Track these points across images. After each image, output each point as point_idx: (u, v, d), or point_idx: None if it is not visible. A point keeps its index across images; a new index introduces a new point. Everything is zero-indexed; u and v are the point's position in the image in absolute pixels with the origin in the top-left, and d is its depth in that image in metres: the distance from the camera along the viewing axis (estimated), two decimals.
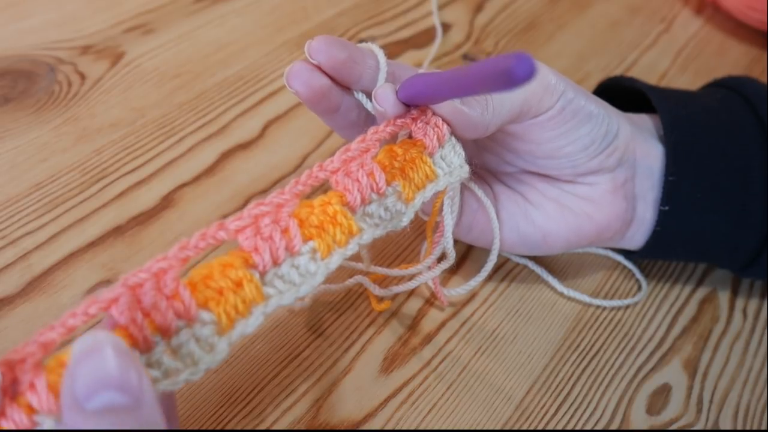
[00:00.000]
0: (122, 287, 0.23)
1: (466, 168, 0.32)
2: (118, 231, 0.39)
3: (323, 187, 0.29)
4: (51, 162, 0.42)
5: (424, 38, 0.56)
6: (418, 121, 0.31)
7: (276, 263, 0.26)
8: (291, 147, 0.45)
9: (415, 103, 0.31)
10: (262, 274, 0.26)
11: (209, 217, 0.41)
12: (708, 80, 0.44)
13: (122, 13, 0.53)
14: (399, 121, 0.31)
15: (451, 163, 0.32)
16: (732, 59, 0.60)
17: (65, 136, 0.43)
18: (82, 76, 0.47)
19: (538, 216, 0.36)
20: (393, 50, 0.54)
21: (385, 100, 0.31)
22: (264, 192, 0.42)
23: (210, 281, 0.25)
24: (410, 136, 0.32)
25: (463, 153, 0.32)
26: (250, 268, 0.25)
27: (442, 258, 0.35)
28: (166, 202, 0.41)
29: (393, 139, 0.32)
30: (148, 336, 0.23)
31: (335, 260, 0.27)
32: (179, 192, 0.42)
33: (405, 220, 0.30)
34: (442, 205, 0.33)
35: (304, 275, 0.27)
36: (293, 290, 0.26)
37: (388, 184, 0.30)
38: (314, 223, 0.27)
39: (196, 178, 0.42)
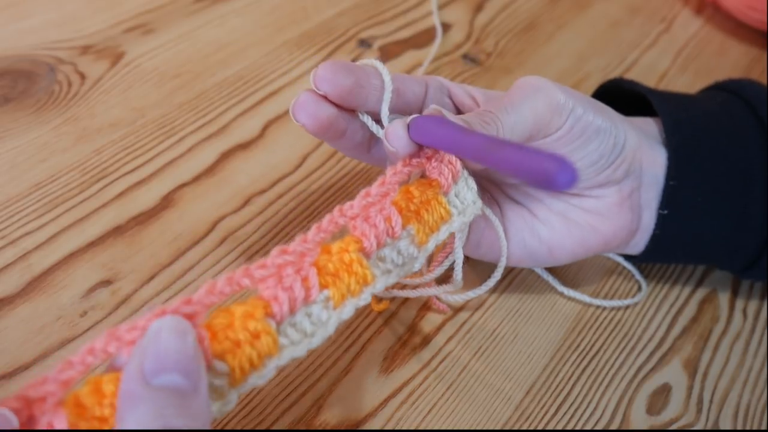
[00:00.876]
0: (142, 330, 0.23)
1: (479, 204, 0.32)
2: (118, 231, 0.39)
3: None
4: (51, 162, 0.42)
5: (424, 38, 0.56)
6: (432, 160, 0.31)
7: (292, 312, 0.26)
8: (291, 147, 0.45)
9: (430, 146, 0.31)
10: (279, 324, 0.26)
11: (209, 217, 0.41)
12: (708, 80, 0.44)
13: (122, 13, 0.53)
14: (415, 161, 0.31)
15: (464, 200, 0.32)
16: (732, 59, 0.60)
17: (65, 136, 0.43)
18: (82, 76, 0.47)
19: (544, 230, 0.36)
20: (393, 50, 0.54)
21: (396, 139, 0.30)
22: (264, 192, 0.42)
23: (230, 332, 0.25)
24: (423, 175, 0.32)
25: (475, 187, 0.32)
26: (267, 317, 0.26)
27: (448, 278, 0.35)
28: (166, 202, 0.41)
29: (408, 177, 0.32)
30: None
31: (348, 310, 0.27)
32: (179, 192, 0.42)
33: (417, 266, 0.30)
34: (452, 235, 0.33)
35: (315, 324, 0.27)
36: (306, 341, 0.26)
37: (403, 227, 0.30)
38: (330, 271, 0.27)
39: (196, 178, 0.42)
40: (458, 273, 0.34)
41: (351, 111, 0.33)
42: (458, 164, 0.31)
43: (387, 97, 0.32)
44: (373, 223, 0.29)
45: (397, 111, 0.34)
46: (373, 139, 0.34)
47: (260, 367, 0.25)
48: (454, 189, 0.32)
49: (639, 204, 0.36)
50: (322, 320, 0.27)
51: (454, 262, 0.34)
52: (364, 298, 0.28)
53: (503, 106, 0.32)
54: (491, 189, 0.38)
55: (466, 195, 0.32)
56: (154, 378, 0.21)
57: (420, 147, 0.31)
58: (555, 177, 0.21)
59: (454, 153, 0.30)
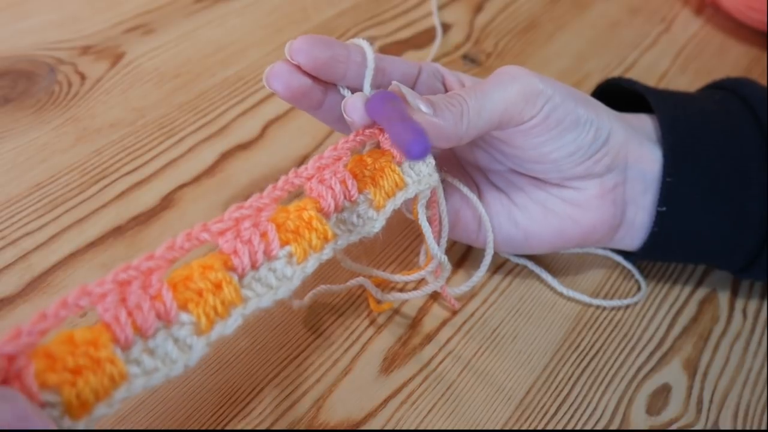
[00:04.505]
0: (112, 283, 0.24)
1: (436, 176, 0.32)
2: (118, 231, 0.39)
3: (297, 194, 0.29)
4: (51, 162, 0.42)
5: (424, 38, 0.56)
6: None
7: (254, 267, 0.27)
8: (291, 147, 0.45)
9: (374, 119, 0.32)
10: (241, 277, 0.27)
11: (209, 217, 0.40)
12: (708, 81, 0.44)
13: (122, 13, 0.53)
14: (368, 132, 0.31)
15: (420, 172, 0.32)
16: (732, 59, 0.60)
17: (65, 136, 0.43)
18: (82, 77, 0.47)
19: (522, 218, 0.36)
20: (393, 50, 0.54)
21: (353, 111, 0.31)
22: None
23: (190, 283, 0.25)
24: (378, 145, 0.32)
25: (433, 162, 0.32)
26: (229, 271, 0.26)
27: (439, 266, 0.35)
28: (166, 202, 0.41)
29: (363, 146, 0.33)
30: (129, 335, 0.24)
31: (311, 265, 0.28)
32: (179, 192, 0.42)
33: (377, 227, 0.31)
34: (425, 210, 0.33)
35: (281, 279, 0.27)
36: (271, 293, 0.27)
37: (360, 192, 0.30)
38: (290, 228, 0.28)
39: (196, 178, 0.42)
40: (434, 248, 0.34)
41: (330, 84, 0.33)
42: None
43: (369, 74, 0.33)
44: (328, 185, 0.29)
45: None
46: None
47: (225, 316, 0.25)
48: (408, 161, 0.32)
49: (623, 199, 0.36)
50: (287, 275, 0.27)
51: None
52: (327, 253, 0.28)
53: (474, 90, 0.32)
54: (474, 174, 0.38)
55: (420, 168, 0.32)
56: None
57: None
58: (409, 147, 0.23)
59: (381, 125, 0.31)
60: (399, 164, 0.32)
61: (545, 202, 0.36)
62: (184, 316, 0.25)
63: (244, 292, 0.26)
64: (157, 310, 0.24)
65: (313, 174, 0.29)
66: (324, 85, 0.33)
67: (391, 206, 0.31)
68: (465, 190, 0.35)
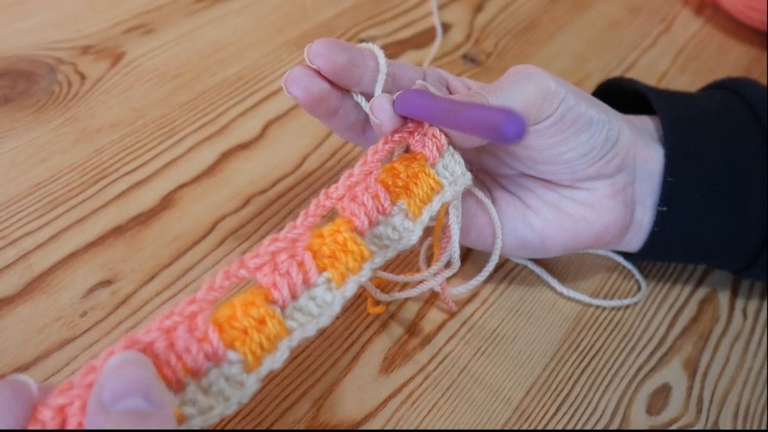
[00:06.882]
0: (158, 331, 0.24)
1: (469, 175, 0.32)
2: (118, 231, 0.39)
3: (330, 214, 0.29)
4: (51, 162, 0.42)
5: (424, 38, 0.56)
6: (416, 134, 0.31)
7: (294, 297, 0.27)
8: (291, 147, 0.45)
9: (410, 116, 0.31)
10: (283, 309, 0.26)
11: (209, 217, 0.41)
12: (708, 80, 0.44)
13: (122, 13, 0.53)
14: (396, 137, 0.31)
15: (453, 172, 0.32)
16: (732, 59, 0.60)
17: (65, 136, 0.43)
18: (82, 76, 0.47)
19: (536, 221, 0.36)
20: (393, 50, 0.54)
21: (381, 112, 0.31)
22: (264, 192, 0.42)
23: (234, 321, 0.25)
24: (407, 150, 0.32)
25: (462, 161, 0.32)
26: (270, 304, 0.26)
27: (446, 265, 0.35)
28: (166, 202, 0.41)
29: (391, 154, 0.32)
30: (181, 378, 0.24)
31: (350, 288, 0.28)
32: (179, 192, 0.42)
33: (414, 238, 0.30)
34: (446, 212, 0.33)
35: (321, 306, 0.27)
36: (314, 321, 0.27)
37: (393, 203, 0.30)
38: (326, 254, 0.28)
39: (196, 178, 0.42)
40: (455, 251, 0.33)
41: (345, 90, 0.33)
42: (442, 138, 0.32)
43: (381, 78, 0.32)
44: (361, 202, 0.29)
45: None
46: (367, 122, 0.35)
47: (273, 350, 0.26)
48: (441, 162, 0.32)
49: (632, 199, 0.36)
50: (327, 301, 0.27)
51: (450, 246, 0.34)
52: (365, 274, 0.28)
53: (493, 88, 0.32)
54: (484, 179, 0.38)
55: (454, 168, 0.32)
56: (114, 406, 0.21)
57: (404, 122, 0.31)
58: (503, 128, 0.22)
59: (428, 120, 0.31)
60: (433, 166, 0.31)
61: (558, 203, 0.36)
62: (232, 355, 0.25)
63: (287, 323, 0.26)
64: (205, 351, 0.25)
65: (344, 194, 0.29)
66: (340, 90, 0.33)
67: (428, 214, 0.31)
68: (480, 194, 0.35)
